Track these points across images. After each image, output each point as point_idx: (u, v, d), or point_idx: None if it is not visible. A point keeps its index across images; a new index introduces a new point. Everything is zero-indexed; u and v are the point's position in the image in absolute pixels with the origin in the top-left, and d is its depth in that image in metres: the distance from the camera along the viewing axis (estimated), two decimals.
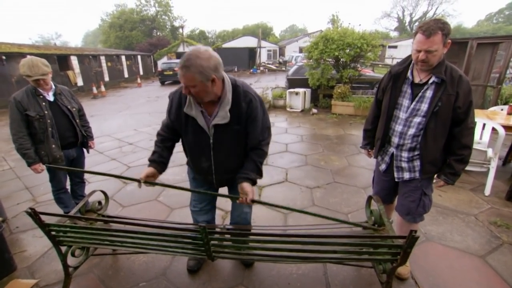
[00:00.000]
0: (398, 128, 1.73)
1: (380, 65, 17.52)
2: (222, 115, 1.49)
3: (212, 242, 1.53)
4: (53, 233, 1.54)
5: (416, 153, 1.71)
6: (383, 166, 1.91)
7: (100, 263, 2.17)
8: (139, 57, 23.65)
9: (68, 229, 1.55)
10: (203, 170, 1.71)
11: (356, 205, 2.89)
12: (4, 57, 10.64)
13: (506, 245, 2.27)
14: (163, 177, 3.78)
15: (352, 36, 6.88)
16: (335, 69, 7.44)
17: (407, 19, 49.34)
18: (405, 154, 1.75)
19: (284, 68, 22.58)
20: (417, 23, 48.05)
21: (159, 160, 1.68)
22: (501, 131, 2.89)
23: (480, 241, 2.32)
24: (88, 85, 14.85)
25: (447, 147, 1.67)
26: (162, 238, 1.60)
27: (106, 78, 17.77)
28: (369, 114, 2.05)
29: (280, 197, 3.14)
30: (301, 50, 24.40)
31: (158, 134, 1.75)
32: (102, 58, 17.71)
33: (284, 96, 8.11)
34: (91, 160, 4.55)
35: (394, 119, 1.76)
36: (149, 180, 1.65)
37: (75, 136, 2.48)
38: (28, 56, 2.12)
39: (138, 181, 1.60)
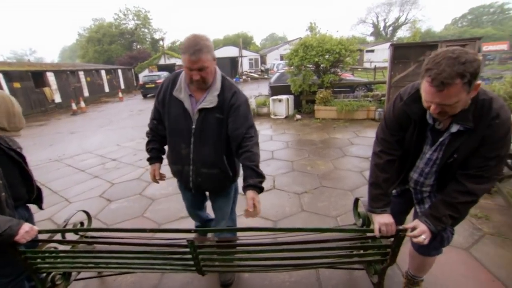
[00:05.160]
0: (414, 175, 1.44)
1: (359, 69, 18.14)
2: (210, 100, 1.53)
3: (201, 256, 1.50)
4: (30, 261, 1.44)
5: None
6: (393, 192, 1.60)
7: None
8: (119, 71, 23.27)
9: (46, 254, 1.47)
10: (181, 159, 1.68)
11: (344, 208, 2.92)
12: None
13: (487, 236, 2.36)
14: (150, 192, 3.69)
15: (331, 42, 7.10)
16: (316, 74, 7.62)
17: (382, 24, 51.64)
18: (425, 189, 1.45)
19: (266, 76, 22.87)
20: (390, 28, 50.40)
21: (159, 156, 1.85)
22: None
23: (464, 234, 2.39)
24: (67, 102, 14.40)
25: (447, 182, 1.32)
26: (150, 256, 1.55)
27: (86, 94, 17.33)
28: (378, 158, 1.41)
29: (268, 205, 3.12)
30: (282, 58, 24.86)
31: (152, 129, 1.80)
32: (81, 73, 17.30)
33: (268, 104, 8.19)
34: (71, 180, 4.39)
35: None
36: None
37: (31, 191, 1.61)
38: None
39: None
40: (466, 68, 0.95)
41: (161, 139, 1.80)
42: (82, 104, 13.33)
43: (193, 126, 1.58)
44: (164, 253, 1.54)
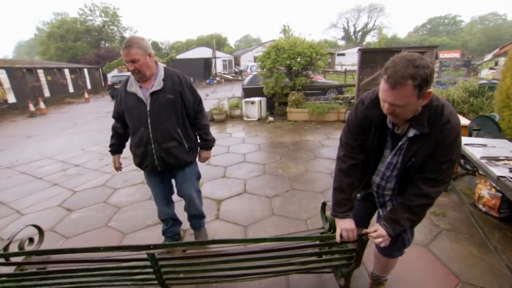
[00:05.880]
0: (376, 179, 1.47)
1: (331, 72, 18.78)
2: (157, 84, 1.90)
3: (164, 269, 1.42)
4: None
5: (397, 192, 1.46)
6: (358, 196, 1.64)
7: None
8: (85, 70, 21.96)
9: None
10: (143, 141, 1.98)
11: (314, 211, 2.96)
12: None
13: (444, 231, 2.52)
14: (115, 199, 3.49)
15: (302, 45, 7.23)
16: (288, 77, 7.72)
17: (352, 29, 54.00)
18: (387, 192, 1.49)
19: (240, 78, 22.87)
20: (360, 33, 52.86)
21: (119, 149, 2.28)
22: None
23: (424, 231, 2.53)
24: (23, 102, 13.29)
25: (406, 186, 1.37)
26: (108, 272, 1.44)
27: (47, 94, 16.16)
28: (342, 163, 1.44)
29: (239, 210, 3.09)
30: (256, 60, 25.04)
31: (113, 127, 2.20)
32: (40, 72, 16.07)
33: (240, 106, 8.14)
34: (25, 189, 4.03)
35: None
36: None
37: None
38: None
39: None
40: (417, 71, 1.01)
41: (119, 136, 2.20)
42: (42, 105, 12.37)
43: (148, 109, 1.91)
44: (123, 268, 1.44)
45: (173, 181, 2.30)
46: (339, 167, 1.45)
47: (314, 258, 1.59)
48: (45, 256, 1.62)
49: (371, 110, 1.28)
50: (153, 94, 1.89)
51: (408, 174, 1.33)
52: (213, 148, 2.31)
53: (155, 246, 1.35)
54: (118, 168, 2.29)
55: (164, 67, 1.98)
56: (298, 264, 1.51)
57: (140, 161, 2.07)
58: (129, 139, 2.14)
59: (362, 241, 1.41)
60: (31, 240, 1.76)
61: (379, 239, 1.30)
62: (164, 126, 1.95)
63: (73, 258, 1.42)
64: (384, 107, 1.15)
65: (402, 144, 1.29)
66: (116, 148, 2.26)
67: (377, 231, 1.32)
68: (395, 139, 1.31)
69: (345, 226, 1.39)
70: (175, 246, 1.53)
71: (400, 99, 1.06)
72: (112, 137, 2.24)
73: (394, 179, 1.39)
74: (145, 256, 1.32)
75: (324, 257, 1.61)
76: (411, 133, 1.22)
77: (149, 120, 1.92)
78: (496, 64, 15.71)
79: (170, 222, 2.36)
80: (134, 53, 1.74)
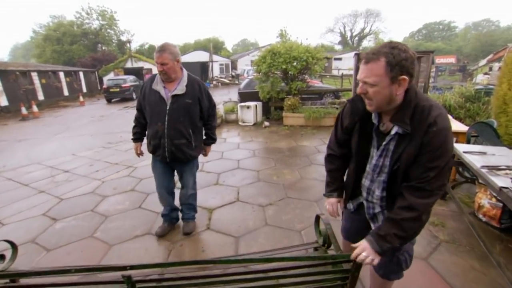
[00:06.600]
0: (366, 182, 1.39)
1: (328, 76, 18.82)
2: (180, 88, 2.20)
3: None
4: None
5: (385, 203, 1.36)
6: (351, 207, 1.58)
7: None
8: (81, 73, 21.77)
9: None
10: (158, 134, 2.27)
11: (308, 221, 2.85)
12: None
13: (443, 243, 2.42)
14: (103, 208, 3.36)
15: (298, 49, 7.18)
16: (284, 81, 7.66)
17: (348, 34, 54.43)
18: (376, 201, 1.39)
19: (237, 82, 22.87)
20: (356, 38, 53.35)
21: (141, 137, 2.58)
22: None
23: (422, 242, 2.42)
24: (15, 105, 13.07)
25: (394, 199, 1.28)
26: None
27: (41, 97, 15.95)
28: (326, 151, 1.58)
29: (231, 219, 2.97)
30: (252, 64, 25.03)
31: (136, 118, 2.50)
32: (34, 75, 15.87)
33: (236, 110, 8.05)
34: (9, 196, 3.87)
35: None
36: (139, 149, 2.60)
37: None
38: None
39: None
40: (392, 51, 1.02)
41: (141, 125, 2.49)
42: (35, 108, 12.17)
43: (167, 108, 2.20)
44: None
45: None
46: (325, 156, 1.64)
47: (306, 278, 1.48)
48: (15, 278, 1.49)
49: (356, 102, 1.29)
50: (174, 96, 2.18)
51: (396, 180, 1.23)
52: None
53: (132, 267, 1.23)
54: (140, 154, 2.59)
55: (188, 75, 2.28)
56: (290, 285, 1.40)
57: (154, 150, 2.38)
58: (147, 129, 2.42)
59: (357, 262, 1.30)
60: (2, 257, 1.62)
61: (364, 254, 1.17)
62: (178, 125, 2.24)
63: (43, 281, 1.29)
64: (358, 86, 1.16)
65: (387, 144, 1.21)
66: (139, 136, 2.55)
67: (361, 245, 1.20)
68: (380, 137, 1.26)
69: (329, 201, 1.60)
70: (154, 267, 1.41)
71: (372, 75, 1.07)
72: (134, 126, 2.52)
73: (382, 185, 1.30)
74: (120, 278, 1.20)
75: (317, 277, 1.50)
76: (393, 130, 1.16)
77: (166, 118, 2.21)
78: (490, 69, 15.85)
79: (168, 209, 2.69)
80: (165, 57, 2.05)
